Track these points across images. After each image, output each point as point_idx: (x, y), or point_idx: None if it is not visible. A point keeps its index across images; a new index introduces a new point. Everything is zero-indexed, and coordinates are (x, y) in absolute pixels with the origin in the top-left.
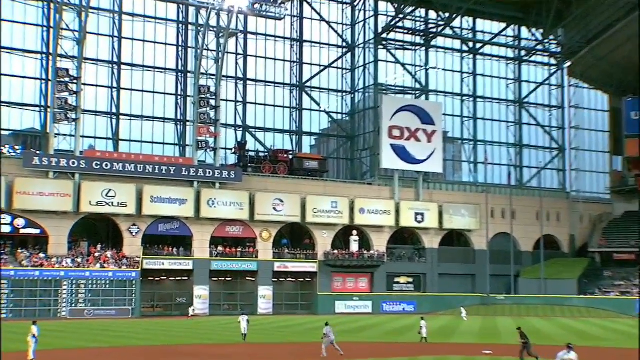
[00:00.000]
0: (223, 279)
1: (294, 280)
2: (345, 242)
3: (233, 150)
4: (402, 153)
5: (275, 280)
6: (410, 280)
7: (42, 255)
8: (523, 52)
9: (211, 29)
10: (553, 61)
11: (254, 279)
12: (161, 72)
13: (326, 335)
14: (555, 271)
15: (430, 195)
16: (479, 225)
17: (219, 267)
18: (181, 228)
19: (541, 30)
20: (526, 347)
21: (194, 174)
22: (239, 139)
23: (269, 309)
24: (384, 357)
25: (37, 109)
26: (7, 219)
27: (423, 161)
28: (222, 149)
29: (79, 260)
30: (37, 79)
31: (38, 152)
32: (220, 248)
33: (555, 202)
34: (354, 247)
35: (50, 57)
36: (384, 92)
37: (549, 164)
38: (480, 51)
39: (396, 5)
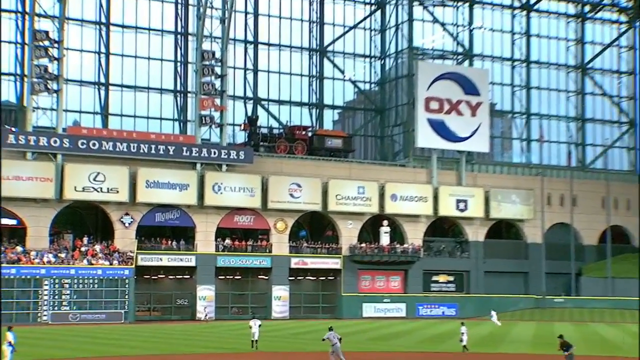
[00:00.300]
0: (231, 277)
1: (314, 278)
2: (374, 234)
3: (242, 127)
4: (441, 129)
5: (292, 278)
6: (451, 279)
7: (19, 249)
8: (587, 8)
9: None
10: (623, 18)
11: (267, 277)
12: (157, 34)
13: (331, 342)
14: (624, 269)
15: (474, 178)
16: (533, 214)
17: (226, 263)
18: (182, 218)
19: None
20: (569, 358)
21: (197, 155)
22: (249, 114)
23: (284, 312)
24: None
25: (12, 78)
26: None
27: (466, 139)
28: (230, 125)
29: (63, 255)
30: (12, 42)
31: (13, 129)
32: (227, 241)
33: (624, 187)
34: (385, 240)
35: (27, 17)
36: (420, 57)
37: (617, 142)
38: (535, 7)
39: None
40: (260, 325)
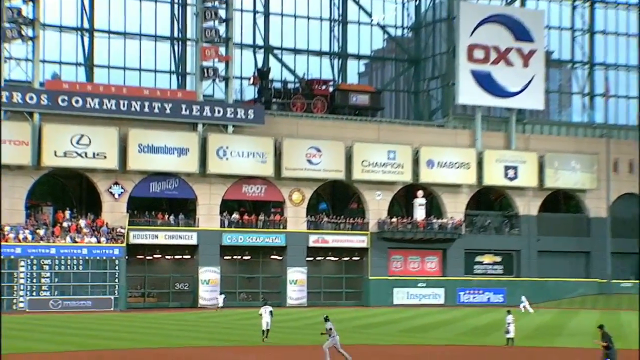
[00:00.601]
0: (239, 257)
1: (336, 259)
2: (407, 207)
3: (251, 81)
4: (486, 82)
5: (311, 259)
6: (498, 259)
7: None
8: None
9: None
10: None
11: (280, 258)
12: None
13: (330, 334)
14: None
15: (526, 141)
16: (596, 183)
17: (232, 241)
18: (181, 188)
19: None
20: (609, 356)
21: (198, 114)
22: (259, 65)
23: (301, 298)
24: None
25: None
26: None
27: (516, 94)
28: (237, 78)
29: (41, 232)
30: None
31: None
32: (234, 215)
33: None
34: (420, 213)
35: None
36: None
37: None
38: None
39: None
40: (271, 313)
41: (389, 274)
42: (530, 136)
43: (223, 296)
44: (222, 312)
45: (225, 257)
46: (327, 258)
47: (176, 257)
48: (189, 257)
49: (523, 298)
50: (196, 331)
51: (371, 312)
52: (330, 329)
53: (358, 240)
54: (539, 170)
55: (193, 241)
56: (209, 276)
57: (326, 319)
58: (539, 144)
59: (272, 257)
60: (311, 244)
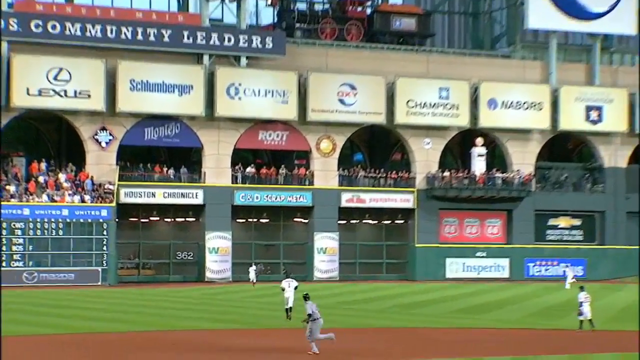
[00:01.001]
0: (254, 220)
1: (374, 222)
2: (463, 158)
3: (269, 2)
4: (564, 2)
5: (344, 222)
6: (577, 223)
7: None
8: None
9: None
10: None
11: (306, 221)
12: None
13: (312, 317)
14: None
15: (613, 75)
16: None
17: (247, 200)
18: (183, 135)
19: None
20: None
21: (204, 43)
22: None
23: (332, 271)
24: (521, 357)
25: None
26: None
27: (602, 15)
28: None
29: (11, 188)
30: None
31: None
32: (249, 169)
33: None
34: (479, 166)
35: None
36: None
37: None
38: None
39: None
40: (296, 288)
41: (440, 240)
42: (618, 68)
43: (254, 268)
44: (255, 288)
45: (238, 220)
46: (364, 221)
47: (177, 220)
48: (193, 220)
49: (567, 271)
50: (202, 310)
51: (418, 288)
52: (312, 313)
53: (402, 200)
54: (629, 111)
55: (198, 200)
56: (217, 243)
57: (306, 298)
58: (630, 79)
59: (296, 220)
60: (344, 204)
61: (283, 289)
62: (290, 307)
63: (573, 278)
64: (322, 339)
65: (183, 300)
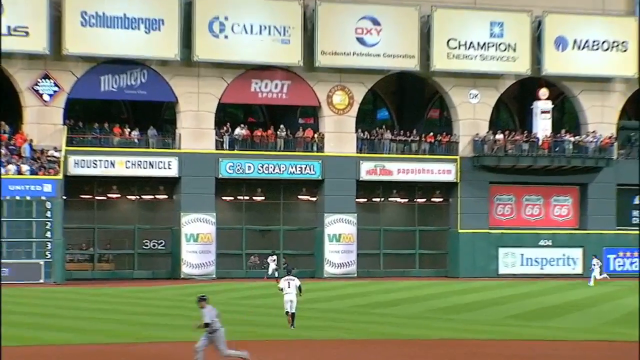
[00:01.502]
0: (246, 198)
1: (404, 201)
2: (521, 115)
3: None
4: None
5: (364, 201)
6: None
7: None
8: None
9: None
10: None
11: (314, 199)
12: None
13: (210, 327)
14: None
15: None
16: None
17: (236, 172)
18: (152, 85)
19: None
20: None
21: None
22: None
23: (348, 265)
24: None
25: None
26: None
27: None
28: None
29: None
30: None
31: None
32: (239, 131)
33: None
34: (543, 126)
35: None
36: None
37: None
38: None
39: None
40: (300, 289)
41: (491, 225)
42: None
43: (274, 259)
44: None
45: (225, 199)
46: (390, 199)
47: (144, 197)
48: (165, 197)
49: (595, 261)
50: (177, 317)
51: (461, 288)
52: (210, 322)
53: (440, 171)
54: None
55: (172, 172)
56: (197, 229)
57: (201, 300)
58: None
59: (301, 197)
60: (364, 177)
61: (281, 289)
62: (293, 313)
63: (603, 274)
64: (234, 356)
65: (152, 303)
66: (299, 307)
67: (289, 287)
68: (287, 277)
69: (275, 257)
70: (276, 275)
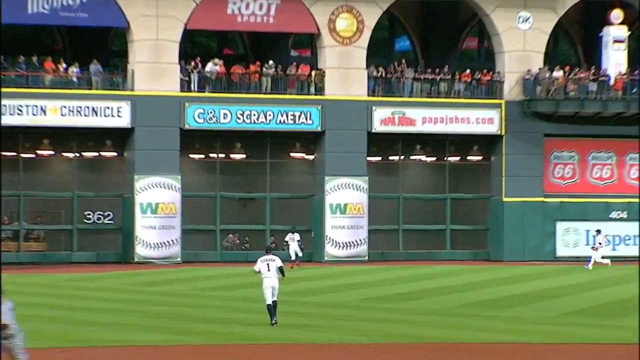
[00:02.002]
0: (222, 156)
1: (431, 160)
2: (586, 46)
3: None
4: None
5: (378, 159)
6: None
7: None
8: None
9: None
10: None
11: (312, 157)
12: None
13: (6, 334)
14: None
15: None
16: None
17: (208, 122)
18: (95, 5)
19: None
20: None
21: None
22: None
23: (356, 245)
24: None
25: None
26: None
27: None
28: None
29: None
30: None
31: None
32: (211, 67)
33: None
34: (615, 59)
35: None
36: None
37: None
38: None
39: None
40: (281, 271)
41: (547, 191)
42: None
43: (297, 238)
44: (296, 269)
45: (193, 156)
46: (413, 158)
47: (86, 155)
48: (113, 154)
49: (599, 238)
50: (129, 313)
51: (507, 274)
52: (7, 324)
53: (479, 120)
54: None
55: (123, 121)
56: (156, 196)
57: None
58: None
59: (294, 155)
60: (378, 128)
61: (258, 271)
62: (274, 302)
63: (606, 259)
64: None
65: (95, 295)
66: (279, 293)
67: (268, 270)
68: (265, 257)
69: (297, 234)
70: (300, 256)
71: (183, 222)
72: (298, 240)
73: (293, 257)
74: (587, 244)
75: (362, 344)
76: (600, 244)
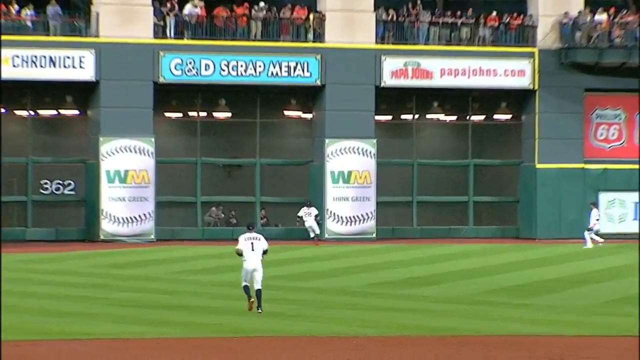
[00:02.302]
0: (203, 115)
1: (451, 119)
2: None
3: None
4: None
5: (388, 118)
6: None
7: None
8: None
9: None
10: None
11: (309, 116)
12: None
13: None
14: None
15: None
16: None
17: (186, 74)
18: None
19: None
20: None
21: None
22: None
23: (362, 220)
24: None
25: None
26: None
27: None
28: None
29: None
30: None
31: None
32: (190, 9)
33: None
34: None
35: None
36: None
37: None
38: None
39: None
40: (265, 252)
41: (588, 156)
42: None
43: (313, 213)
44: (319, 248)
45: (169, 115)
46: (430, 116)
47: (43, 113)
48: (74, 113)
49: (594, 212)
50: (95, 301)
51: (540, 255)
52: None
53: (508, 72)
54: None
55: (86, 73)
56: (126, 162)
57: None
58: None
59: (289, 113)
60: (388, 81)
61: (240, 254)
62: (259, 290)
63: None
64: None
65: (54, 280)
66: (264, 277)
67: (252, 249)
68: (249, 235)
69: (313, 209)
70: (317, 233)
71: (157, 193)
72: (316, 215)
73: (312, 235)
74: (635, 219)
75: (369, 337)
76: (598, 220)
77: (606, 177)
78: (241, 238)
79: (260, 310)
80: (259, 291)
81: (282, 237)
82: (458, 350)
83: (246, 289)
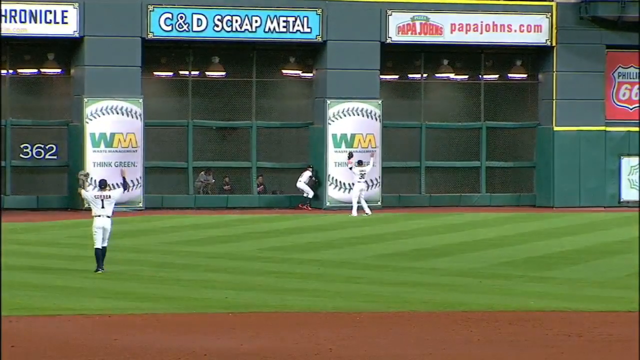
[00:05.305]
0: (195, 74)
1: (462, 78)
2: None
3: None
4: None
5: (394, 78)
6: None
7: None
8: None
9: None
10: None
11: (310, 75)
12: None
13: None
14: None
15: None
16: None
17: (176, 29)
18: None
19: None
20: None
21: None
22: None
23: (369, 187)
24: None
25: None
26: None
27: None
28: None
29: None
30: None
31: None
32: None
33: None
34: None
35: None
36: None
37: None
38: None
39: None
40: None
41: (609, 118)
42: None
43: (307, 174)
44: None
45: (158, 74)
46: (439, 75)
47: (22, 72)
48: (56, 72)
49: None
50: (73, 273)
51: (558, 224)
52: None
53: (523, 27)
54: None
55: (68, 28)
56: (112, 125)
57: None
58: None
59: (287, 72)
60: (394, 37)
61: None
62: (104, 248)
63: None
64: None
65: (34, 251)
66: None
67: (102, 207)
68: (100, 193)
69: (307, 171)
70: (309, 196)
71: (146, 158)
72: (310, 176)
73: (306, 196)
74: None
75: (374, 313)
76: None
77: (629, 140)
78: (91, 193)
79: (101, 270)
80: (104, 248)
81: (281, 205)
82: (468, 327)
83: (97, 252)
